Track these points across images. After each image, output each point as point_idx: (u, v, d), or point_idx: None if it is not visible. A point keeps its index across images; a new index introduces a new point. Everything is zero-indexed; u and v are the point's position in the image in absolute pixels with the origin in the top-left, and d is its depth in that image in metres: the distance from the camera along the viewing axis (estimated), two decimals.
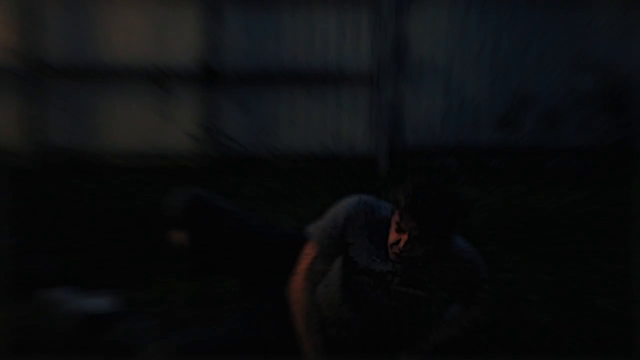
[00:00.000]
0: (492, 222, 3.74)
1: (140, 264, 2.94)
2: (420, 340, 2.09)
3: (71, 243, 3.16)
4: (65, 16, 5.13)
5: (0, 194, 3.08)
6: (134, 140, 5.27)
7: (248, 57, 5.25)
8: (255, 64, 5.26)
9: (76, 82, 5.18)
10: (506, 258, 3.17)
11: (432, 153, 5.30)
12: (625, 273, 2.94)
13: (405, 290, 2.02)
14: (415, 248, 1.93)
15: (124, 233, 3.46)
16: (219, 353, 2.00)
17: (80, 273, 2.69)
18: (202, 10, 5.17)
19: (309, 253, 2.09)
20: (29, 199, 3.88)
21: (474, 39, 5.26)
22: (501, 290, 2.66)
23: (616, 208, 4.12)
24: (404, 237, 1.92)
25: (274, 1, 5.22)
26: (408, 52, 5.26)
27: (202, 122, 5.29)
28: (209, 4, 5.17)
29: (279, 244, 2.26)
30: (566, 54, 5.28)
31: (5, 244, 2.58)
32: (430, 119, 5.32)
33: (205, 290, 2.65)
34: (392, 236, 1.96)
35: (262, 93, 5.29)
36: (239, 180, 4.87)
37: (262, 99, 5.29)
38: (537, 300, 2.63)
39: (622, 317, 2.47)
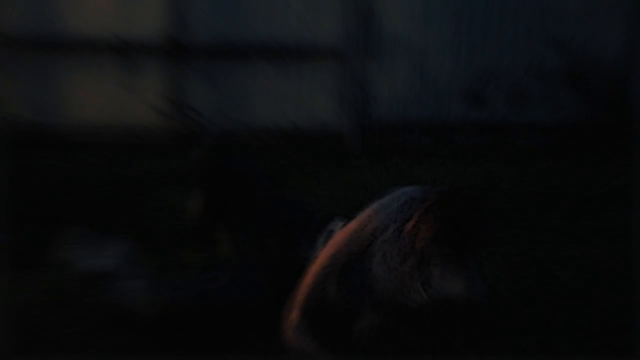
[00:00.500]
0: None
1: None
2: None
3: (38, 218, 3.09)
4: None
5: None
6: (98, 115, 5.17)
7: (216, 30, 5.17)
8: (223, 38, 5.17)
9: (38, 54, 5.06)
10: None
11: (401, 129, 5.29)
12: (590, 247, 2.98)
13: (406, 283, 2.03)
14: (419, 233, 1.98)
15: (90, 207, 3.40)
16: (207, 311, 2.03)
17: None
18: None
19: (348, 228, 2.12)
20: None
21: (444, 14, 5.24)
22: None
23: (583, 185, 4.16)
24: (412, 223, 2.00)
25: None
26: (378, 27, 5.22)
27: (168, 96, 5.20)
28: None
29: (290, 214, 2.33)
30: (536, 31, 5.29)
31: None
32: (400, 95, 5.30)
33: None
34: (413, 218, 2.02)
35: (229, 67, 5.21)
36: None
37: (230, 73, 5.22)
38: (504, 276, 2.64)
39: (580, 289, 2.49)
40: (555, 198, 3.84)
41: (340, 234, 2.12)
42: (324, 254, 2.10)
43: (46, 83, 5.10)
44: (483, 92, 5.30)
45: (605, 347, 2.06)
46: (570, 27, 5.30)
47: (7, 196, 2.98)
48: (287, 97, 5.27)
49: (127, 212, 3.38)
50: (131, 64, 5.15)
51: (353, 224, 2.13)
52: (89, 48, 5.08)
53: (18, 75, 5.04)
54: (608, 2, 5.29)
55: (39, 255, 2.45)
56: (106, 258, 2.16)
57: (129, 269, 2.15)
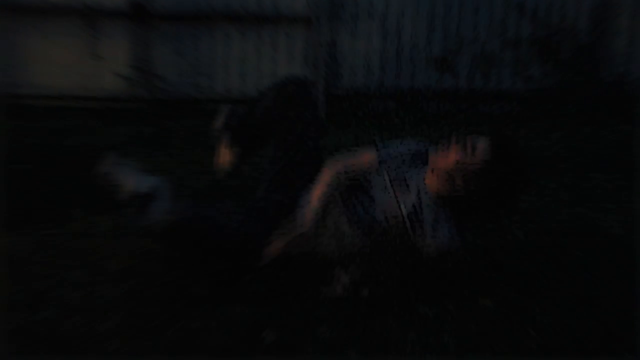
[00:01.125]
0: None
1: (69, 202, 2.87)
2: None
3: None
4: None
5: None
6: (63, 81, 5.08)
7: None
8: (188, 2, 5.08)
9: (1, 19, 4.93)
10: None
11: (369, 96, 5.26)
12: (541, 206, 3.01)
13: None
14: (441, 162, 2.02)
15: (55, 172, 3.35)
16: (209, 233, 2.09)
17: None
18: None
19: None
20: None
21: None
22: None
23: (549, 151, 4.18)
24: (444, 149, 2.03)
25: None
26: None
27: (133, 62, 5.11)
28: None
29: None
30: None
31: None
32: (368, 61, 5.27)
33: None
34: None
35: (195, 33, 5.13)
36: (172, 122, 4.74)
37: (196, 39, 5.13)
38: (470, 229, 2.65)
39: (538, 244, 2.51)
40: None
41: (340, 163, 2.17)
42: (323, 182, 2.14)
43: (9, 48, 4.98)
44: (450, 59, 5.28)
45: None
46: None
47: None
48: (254, 64, 5.21)
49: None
50: (96, 29, 5.05)
51: (356, 156, 2.19)
52: (53, 13, 4.97)
53: None
54: None
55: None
56: (145, 182, 2.26)
57: (162, 193, 2.23)
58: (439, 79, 5.29)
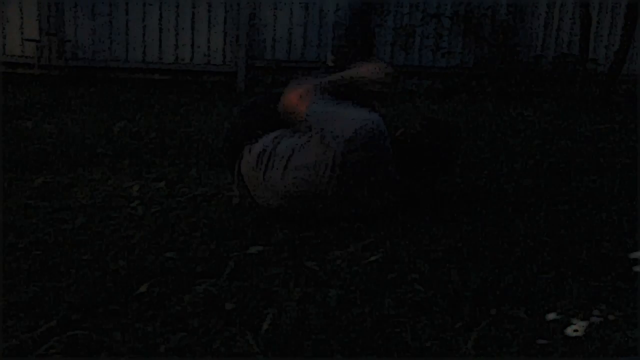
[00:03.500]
0: None
1: None
2: None
3: None
4: None
5: None
6: None
7: None
8: None
9: None
10: None
11: (289, 68, 5.21)
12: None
13: None
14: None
15: None
16: None
17: None
18: None
19: None
20: None
21: None
22: None
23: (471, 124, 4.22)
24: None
25: None
26: None
27: (45, 28, 4.92)
28: None
29: None
30: None
31: None
32: (290, 33, 5.21)
33: None
34: None
35: (114, 2, 4.97)
36: (85, 90, 4.59)
37: (113, 5, 4.97)
38: None
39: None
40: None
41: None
42: None
43: None
44: (374, 32, 5.27)
45: None
46: None
47: None
48: (174, 33, 5.09)
49: None
50: None
51: None
52: None
53: None
54: None
55: None
56: None
57: None
58: None
